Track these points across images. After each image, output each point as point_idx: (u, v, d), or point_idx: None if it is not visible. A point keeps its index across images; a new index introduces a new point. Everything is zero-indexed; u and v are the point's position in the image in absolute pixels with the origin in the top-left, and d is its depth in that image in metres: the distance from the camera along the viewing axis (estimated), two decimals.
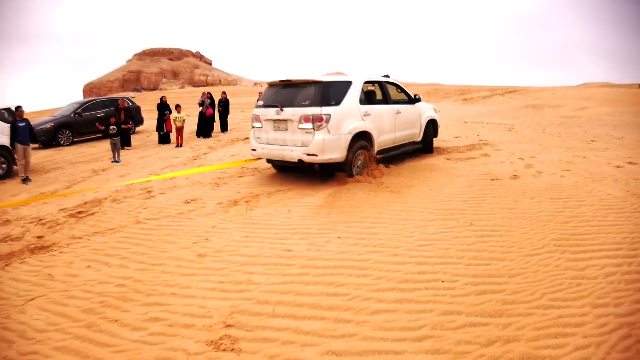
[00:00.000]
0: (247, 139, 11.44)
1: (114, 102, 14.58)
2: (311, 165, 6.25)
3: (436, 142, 9.71)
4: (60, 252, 4.32)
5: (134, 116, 14.47)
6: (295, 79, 6.33)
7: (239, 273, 3.51)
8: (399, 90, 7.79)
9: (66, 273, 3.78)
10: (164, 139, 12.65)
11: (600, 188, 5.42)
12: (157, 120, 13.02)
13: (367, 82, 6.87)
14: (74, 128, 13.74)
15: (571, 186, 5.57)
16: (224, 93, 14.57)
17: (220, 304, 3.03)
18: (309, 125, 5.92)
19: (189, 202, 5.86)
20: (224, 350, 2.50)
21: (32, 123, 9.06)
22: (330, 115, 5.88)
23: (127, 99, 14.47)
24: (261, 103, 6.65)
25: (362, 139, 6.35)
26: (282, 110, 6.18)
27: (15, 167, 8.79)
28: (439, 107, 11.94)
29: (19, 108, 8.46)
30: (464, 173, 6.62)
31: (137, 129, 15.55)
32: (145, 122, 16.60)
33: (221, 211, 5.34)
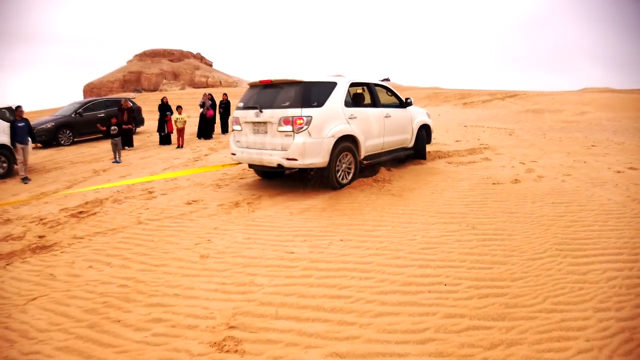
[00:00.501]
0: None
1: (115, 102, 14.61)
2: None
3: (437, 146, 9.73)
4: (61, 252, 4.32)
5: (135, 116, 14.48)
6: (275, 78, 5.99)
7: (241, 274, 3.51)
8: (389, 93, 7.36)
9: (68, 273, 3.78)
10: (165, 140, 12.67)
11: (601, 193, 5.44)
12: (158, 121, 13.05)
13: (353, 84, 6.48)
14: (74, 128, 13.76)
15: (572, 191, 5.59)
16: (225, 94, 14.57)
17: (223, 305, 3.03)
18: (289, 128, 5.56)
19: (190, 203, 5.86)
20: (227, 351, 2.50)
21: (32, 122, 9.10)
22: (311, 117, 5.53)
23: (129, 99, 14.49)
24: (241, 104, 6.31)
25: (346, 143, 5.98)
26: (261, 111, 5.84)
27: (15, 166, 8.81)
28: (439, 111, 11.94)
29: (18, 108, 8.56)
30: (465, 177, 6.63)
31: (138, 129, 15.56)
32: (145, 123, 16.63)
33: (223, 212, 5.34)
